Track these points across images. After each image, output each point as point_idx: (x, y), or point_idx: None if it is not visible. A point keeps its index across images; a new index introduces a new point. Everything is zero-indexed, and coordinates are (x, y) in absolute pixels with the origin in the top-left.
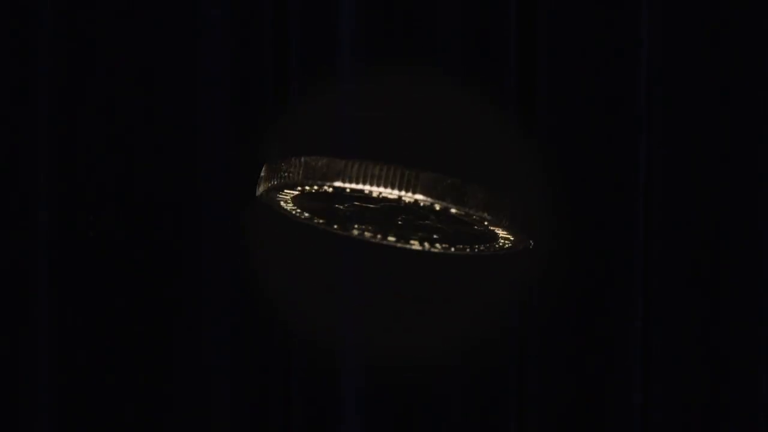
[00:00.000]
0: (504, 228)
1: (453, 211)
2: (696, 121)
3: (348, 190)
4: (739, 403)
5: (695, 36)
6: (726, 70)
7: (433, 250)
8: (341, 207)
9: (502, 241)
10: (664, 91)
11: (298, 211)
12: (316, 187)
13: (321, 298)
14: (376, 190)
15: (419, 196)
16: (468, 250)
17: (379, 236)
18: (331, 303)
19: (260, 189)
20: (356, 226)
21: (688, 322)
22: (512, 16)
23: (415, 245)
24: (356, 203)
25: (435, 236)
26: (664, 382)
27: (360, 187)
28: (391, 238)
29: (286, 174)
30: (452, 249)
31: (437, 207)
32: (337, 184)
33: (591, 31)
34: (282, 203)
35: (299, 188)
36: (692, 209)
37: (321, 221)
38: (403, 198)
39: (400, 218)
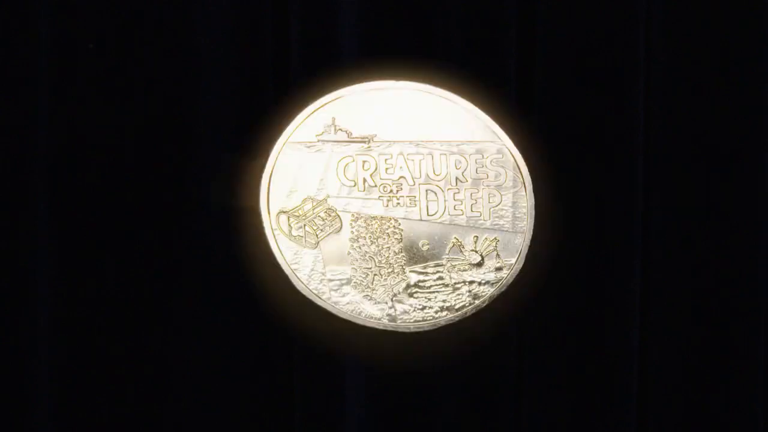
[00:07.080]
0: None
1: None
2: (698, 116)
3: None
4: (738, 406)
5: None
6: (729, 65)
7: None
8: None
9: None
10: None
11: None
12: None
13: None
14: None
15: None
16: None
17: None
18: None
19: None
20: None
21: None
22: (513, 14)
23: None
24: None
25: None
26: (661, 394)
27: None
28: None
29: None
30: None
31: None
32: None
33: (591, 24)
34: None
35: None
36: (694, 207)
37: None
38: None
39: None
